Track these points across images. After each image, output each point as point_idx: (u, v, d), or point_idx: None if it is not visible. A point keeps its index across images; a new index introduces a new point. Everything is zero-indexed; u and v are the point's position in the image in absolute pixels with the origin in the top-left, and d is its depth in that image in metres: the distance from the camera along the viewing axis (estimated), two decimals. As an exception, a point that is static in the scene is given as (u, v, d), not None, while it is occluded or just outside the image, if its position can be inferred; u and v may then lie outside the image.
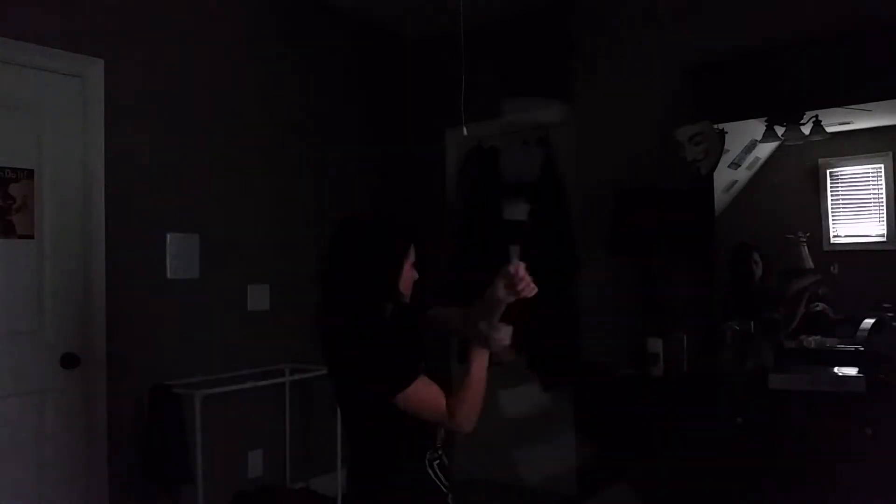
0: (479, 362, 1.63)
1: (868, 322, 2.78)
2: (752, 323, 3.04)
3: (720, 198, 3.22)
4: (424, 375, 1.63)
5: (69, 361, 2.84)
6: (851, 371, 2.63)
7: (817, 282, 3.07)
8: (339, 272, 1.72)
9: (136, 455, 3.00)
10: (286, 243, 3.71)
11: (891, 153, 3.00)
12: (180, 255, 3.22)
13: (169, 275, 3.18)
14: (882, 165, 3.02)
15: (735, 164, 3.24)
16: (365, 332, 1.67)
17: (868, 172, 3.07)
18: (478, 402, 1.63)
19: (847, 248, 3.11)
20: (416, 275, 1.77)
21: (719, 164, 3.11)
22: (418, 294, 1.82)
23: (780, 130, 3.11)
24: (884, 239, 3.00)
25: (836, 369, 2.67)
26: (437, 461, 1.73)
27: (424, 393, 1.62)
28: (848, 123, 3.01)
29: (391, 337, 1.68)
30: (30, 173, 2.79)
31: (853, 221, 3.10)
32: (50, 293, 2.83)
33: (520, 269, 1.51)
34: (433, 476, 1.71)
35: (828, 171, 3.14)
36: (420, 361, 1.68)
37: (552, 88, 3.93)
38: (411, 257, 1.75)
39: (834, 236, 3.13)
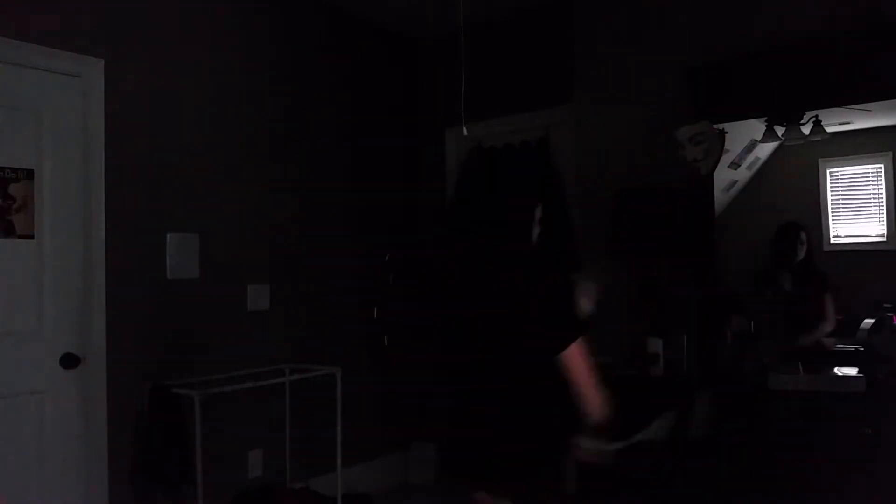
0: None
1: (868, 322, 2.78)
2: (752, 323, 3.04)
3: (720, 198, 3.22)
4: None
5: (69, 361, 2.84)
6: (851, 371, 2.63)
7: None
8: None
9: (136, 455, 3.00)
10: (286, 243, 3.71)
11: (891, 153, 3.00)
12: (180, 255, 3.22)
13: (169, 275, 3.18)
14: (882, 165, 3.02)
15: (735, 164, 3.24)
16: (545, 283, 1.72)
17: (868, 172, 3.07)
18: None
19: (847, 248, 3.11)
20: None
21: (719, 164, 3.10)
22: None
23: (780, 130, 3.11)
24: (884, 239, 3.00)
25: (836, 369, 2.67)
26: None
27: (585, 352, 1.69)
28: (848, 123, 3.00)
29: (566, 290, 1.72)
30: (30, 173, 2.79)
31: (853, 221, 3.10)
32: (50, 293, 2.83)
33: None
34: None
35: (828, 171, 3.14)
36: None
37: (552, 88, 3.93)
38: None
39: (834, 236, 3.12)
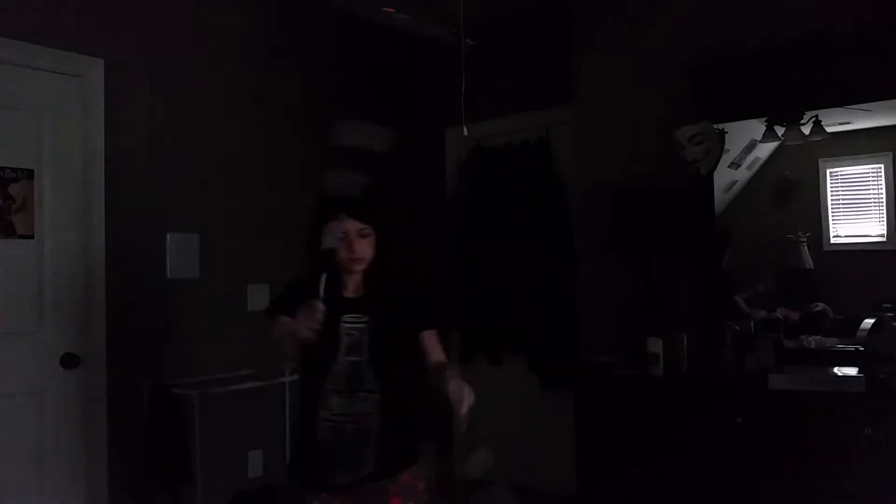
0: None
1: (868, 322, 2.78)
2: (751, 323, 3.04)
3: (720, 198, 3.22)
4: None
5: (69, 361, 2.84)
6: (851, 371, 2.62)
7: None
8: None
9: (136, 455, 3.00)
10: (286, 243, 3.71)
11: (891, 153, 3.00)
12: (180, 255, 3.22)
13: (169, 275, 3.19)
14: (882, 165, 3.02)
15: (735, 164, 3.23)
16: None
17: (868, 172, 3.07)
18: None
19: (847, 248, 3.11)
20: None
21: (719, 164, 3.10)
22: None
23: (780, 130, 3.11)
24: (884, 239, 3.00)
25: (836, 369, 2.67)
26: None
27: None
28: (848, 123, 3.00)
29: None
30: (30, 173, 2.79)
31: (853, 221, 3.10)
32: (50, 293, 2.83)
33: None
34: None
35: (828, 171, 3.13)
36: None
37: (552, 88, 3.93)
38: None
39: (834, 236, 3.12)
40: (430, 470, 2.01)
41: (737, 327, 3.00)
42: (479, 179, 4.25)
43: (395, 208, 1.98)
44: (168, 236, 3.19)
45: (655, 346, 2.97)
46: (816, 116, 3.00)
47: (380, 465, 1.83)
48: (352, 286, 1.94)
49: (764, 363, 2.80)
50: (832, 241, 3.12)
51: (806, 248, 3.13)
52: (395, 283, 1.96)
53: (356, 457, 1.81)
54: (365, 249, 1.88)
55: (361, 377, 1.83)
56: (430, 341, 1.91)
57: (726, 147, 3.10)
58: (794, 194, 3.19)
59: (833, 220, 3.12)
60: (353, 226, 1.86)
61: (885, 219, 3.00)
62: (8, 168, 2.73)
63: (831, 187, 3.13)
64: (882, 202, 3.01)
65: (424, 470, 1.97)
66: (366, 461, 1.82)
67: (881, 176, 3.02)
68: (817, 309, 3.08)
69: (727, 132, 3.10)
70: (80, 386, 2.89)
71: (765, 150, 3.23)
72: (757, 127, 3.15)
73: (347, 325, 1.86)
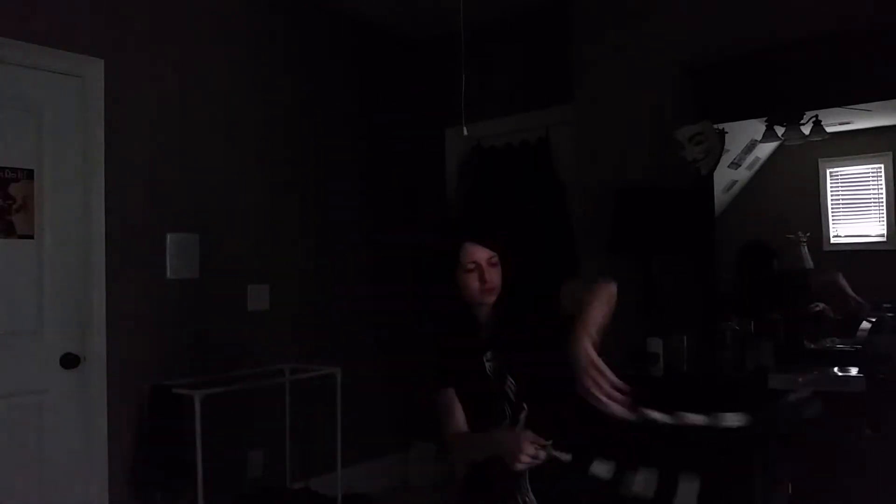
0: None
1: (868, 322, 2.78)
2: (752, 323, 3.04)
3: (720, 198, 3.22)
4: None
5: (69, 361, 2.84)
6: (851, 371, 2.62)
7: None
8: None
9: (136, 455, 3.00)
10: (286, 243, 3.71)
11: (891, 153, 3.00)
12: (180, 255, 3.22)
13: (169, 275, 3.19)
14: (882, 165, 3.02)
15: (735, 164, 3.24)
16: None
17: (868, 172, 3.07)
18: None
19: (847, 248, 3.11)
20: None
21: (719, 164, 3.10)
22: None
23: (780, 130, 3.11)
24: (884, 239, 3.00)
25: (836, 369, 2.67)
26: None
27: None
28: (848, 123, 3.00)
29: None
30: (30, 173, 2.79)
31: (853, 221, 3.10)
32: (50, 293, 2.83)
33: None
34: None
35: (828, 171, 3.14)
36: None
37: (552, 88, 3.93)
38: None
39: (834, 236, 3.12)
40: None
41: (737, 327, 3.00)
42: (479, 179, 4.25)
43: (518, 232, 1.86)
44: (168, 236, 3.19)
45: (655, 346, 2.97)
46: (816, 116, 3.00)
47: None
48: (483, 319, 1.82)
49: (764, 363, 2.80)
50: (832, 241, 3.12)
51: (806, 248, 3.13)
52: (531, 307, 1.82)
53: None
54: (496, 280, 1.75)
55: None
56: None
57: (726, 147, 3.10)
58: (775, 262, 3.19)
59: (833, 220, 3.12)
60: (482, 255, 1.73)
61: (885, 219, 3.00)
62: (8, 168, 2.73)
63: (831, 187, 3.13)
64: (882, 202, 3.02)
65: None
66: None
67: (881, 176, 3.02)
68: (817, 309, 3.08)
69: (727, 132, 3.10)
70: (80, 386, 2.89)
71: (765, 150, 3.23)
72: (757, 127, 3.15)
73: (490, 364, 1.77)
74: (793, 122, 3.05)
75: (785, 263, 3.20)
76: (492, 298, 1.76)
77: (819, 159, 3.13)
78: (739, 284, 3.26)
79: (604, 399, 1.49)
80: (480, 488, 1.76)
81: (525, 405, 1.71)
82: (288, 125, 3.76)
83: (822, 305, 3.08)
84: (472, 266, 1.71)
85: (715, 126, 3.08)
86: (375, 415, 4.17)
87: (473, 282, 1.72)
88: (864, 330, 2.77)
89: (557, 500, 1.70)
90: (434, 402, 1.76)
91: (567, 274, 3.81)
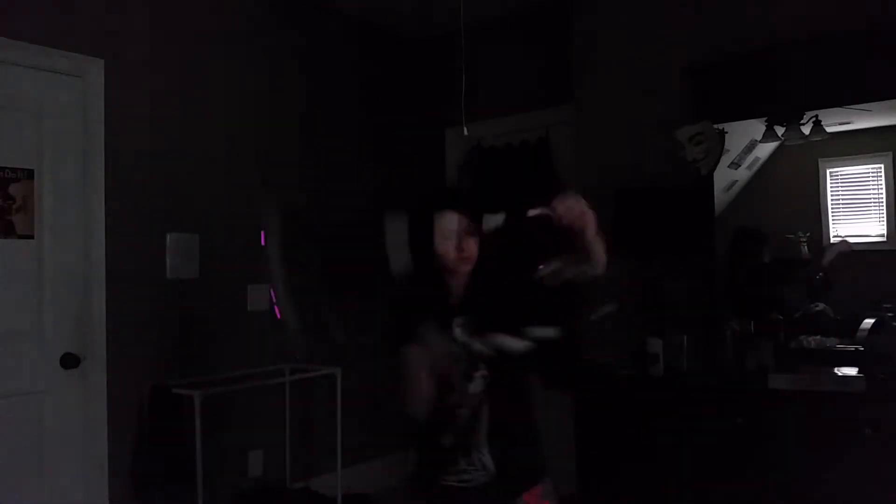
0: None
1: (868, 322, 2.78)
2: (752, 323, 3.04)
3: (720, 198, 3.22)
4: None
5: (69, 361, 2.84)
6: (851, 371, 2.62)
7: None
8: None
9: (136, 455, 3.00)
10: (286, 243, 3.70)
11: (891, 153, 3.00)
12: (180, 255, 3.22)
13: (169, 275, 3.18)
14: (882, 165, 3.02)
15: (735, 164, 3.24)
16: None
17: (868, 172, 3.07)
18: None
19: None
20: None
21: (719, 164, 3.10)
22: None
23: (780, 130, 3.11)
24: (884, 239, 3.00)
25: (836, 369, 2.67)
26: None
27: None
28: (848, 123, 3.00)
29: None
30: (30, 173, 2.79)
31: (853, 221, 3.10)
32: (50, 293, 2.83)
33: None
34: None
35: (828, 171, 3.14)
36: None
37: (552, 88, 3.93)
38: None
39: (834, 236, 3.12)
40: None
41: (737, 327, 3.00)
42: (479, 179, 4.24)
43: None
44: (168, 236, 3.19)
45: (655, 346, 2.97)
46: (816, 116, 3.00)
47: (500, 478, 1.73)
48: (457, 286, 1.84)
49: (764, 363, 2.80)
50: (832, 240, 3.12)
51: (806, 248, 3.14)
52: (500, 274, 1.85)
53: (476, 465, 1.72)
54: (472, 249, 1.78)
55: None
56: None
57: (726, 147, 3.10)
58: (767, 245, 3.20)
59: (833, 220, 3.12)
60: (461, 223, 1.76)
61: (885, 219, 3.00)
62: (8, 168, 2.73)
63: (831, 187, 3.13)
64: (882, 202, 3.02)
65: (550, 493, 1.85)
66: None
67: (881, 176, 3.02)
68: (817, 309, 3.08)
69: (727, 132, 3.10)
70: (80, 386, 2.89)
71: (765, 150, 3.23)
72: (757, 127, 3.15)
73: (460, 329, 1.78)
74: (793, 122, 3.05)
75: (782, 253, 3.21)
76: (467, 267, 1.79)
77: (819, 159, 3.14)
78: (732, 272, 3.25)
79: None
80: (435, 449, 1.76)
81: (488, 371, 1.74)
82: (288, 125, 3.76)
83: (822, 305, 3.08)
84: (449, 233, 1.74)
85: (715, 126, 3.08)
86: (375, 415, 4.17)
87: (450, 249, 1.75)
88: (864, 330, 2.77)
89: (511, 456, 1.74)
90: (398, 360, 1.75)
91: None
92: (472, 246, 1.77)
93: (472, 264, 1.78)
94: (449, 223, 1.75)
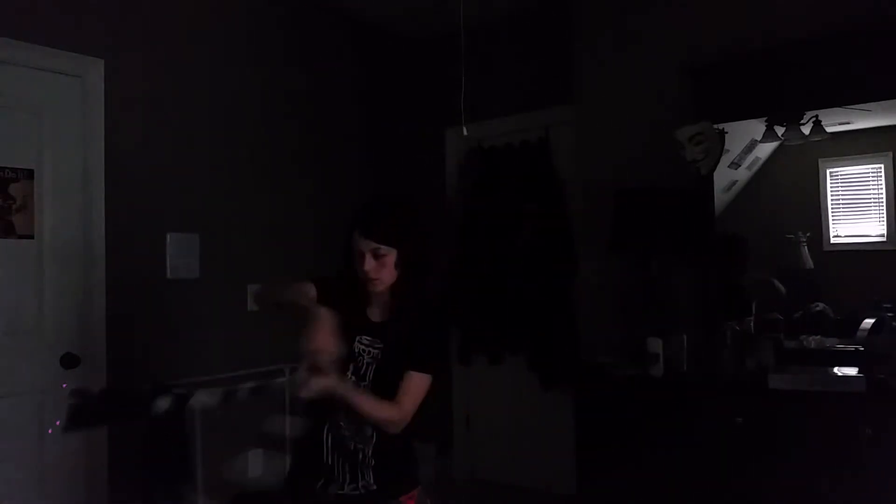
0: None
1: (868, 322, 2.78)
2: (752, 323, 3.04)
3: (720, 198, 3.22)
4: None
5: (69, 361, 2.84)
6: (851, 371, 2.62)
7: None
8: None
9: (136, 456, 3.00)
10: (286, 243, 3.71)
11: (891, 153, 3.00)
12: (180, 255, 3.22)
13: (169, 275, 3.19)
14: (882, 165, 3.02)
15: (735, 164, 3.24)
16: None
17: (868, 172, 3.07)
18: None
19: (847, 248, 3.11)
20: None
21: (719, 164, 3.11)
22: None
23: (780, 130, 3.11)
24: (884, 239, 3.00)
25: (836, 369, 2.67)
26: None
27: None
28: (848, 123, 3.00)
29: None
30: (30, 173, 2.79)
31: (853, 221, 3.11)
32: (50, 293, 2.83)
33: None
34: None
35: (828, 171, 3.14)
36: None
37: (552, 88, 3.93)
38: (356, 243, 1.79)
39: (834, 236, 3.13)
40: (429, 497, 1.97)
41: (737, 327, 3.00)
42: (479, 179, 4.25)
43: (419, 228, 1.88)
44: (168, 236, 3.19)
45: (655, 346, 2.97)
46: (816, 116, 3.00)
47: (378, 485, 1.80)
48: (377, 308, 1.88)
49: (764, 363, 2.80)
50: (832, 241, 3.12)
51: (806, 248, 3.14)
52: (414, 313, 1.85)
53: (354, 474, 1.79)
54: (380, 271, 1.78)
55: None
56: (408, 383, 1.80)
57: (726, 147, 3.10)
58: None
59: (833, 220, 3.13)
60: (366, 245, 1.77)
61: (885, 219, 3.00)
62: (8, 168, 2.73)
63: (831, 187, 3.13)
64: (882, 202, 3.02)
65: (425, 497, 1.94)
66: (364, 480, 1.79)
67: (881, 176, 3.02)
68: (817, 309, 3.08)
69: (727, 132, 3.10)
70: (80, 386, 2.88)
71: (765, 150, 3.23)
72: (757, 127, 3.15)
73: (361, 346, 1.83)
74: (793, 122, 3.06)
75: (785, 263, 3.21)
76: (377, 288, 1.82)
77: (819, 159, 3.14)
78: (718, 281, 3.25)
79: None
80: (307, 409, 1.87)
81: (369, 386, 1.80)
82: (288, 125, 3.76)
83: (822, 305, 3.08)
84: (359, 253, 1.79)
85: (715, 126, 3.08)
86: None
87: (360, 268, 1.79)
88: (864, 330, 2.77)
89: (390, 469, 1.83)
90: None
91: (566, 274, 3.82)
92: (376, 268, 1.78)
93: (382, 285, 1.81)
94: (354, 242, 1.80)
